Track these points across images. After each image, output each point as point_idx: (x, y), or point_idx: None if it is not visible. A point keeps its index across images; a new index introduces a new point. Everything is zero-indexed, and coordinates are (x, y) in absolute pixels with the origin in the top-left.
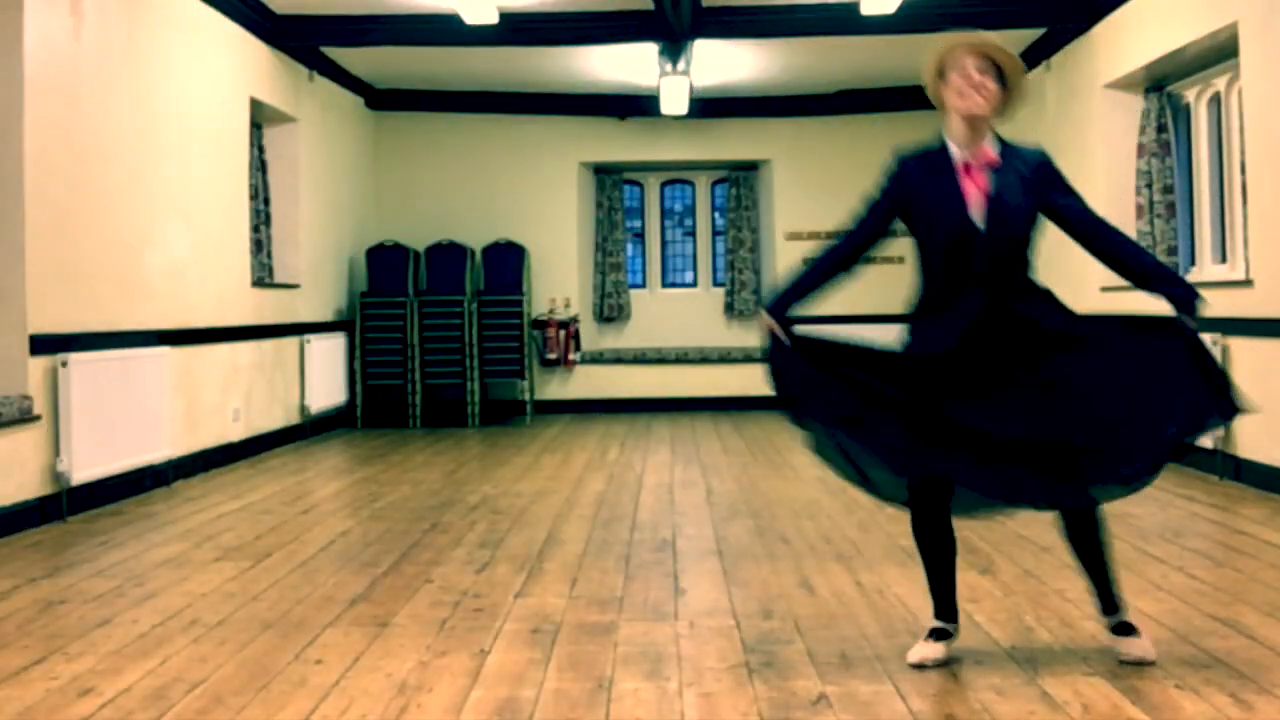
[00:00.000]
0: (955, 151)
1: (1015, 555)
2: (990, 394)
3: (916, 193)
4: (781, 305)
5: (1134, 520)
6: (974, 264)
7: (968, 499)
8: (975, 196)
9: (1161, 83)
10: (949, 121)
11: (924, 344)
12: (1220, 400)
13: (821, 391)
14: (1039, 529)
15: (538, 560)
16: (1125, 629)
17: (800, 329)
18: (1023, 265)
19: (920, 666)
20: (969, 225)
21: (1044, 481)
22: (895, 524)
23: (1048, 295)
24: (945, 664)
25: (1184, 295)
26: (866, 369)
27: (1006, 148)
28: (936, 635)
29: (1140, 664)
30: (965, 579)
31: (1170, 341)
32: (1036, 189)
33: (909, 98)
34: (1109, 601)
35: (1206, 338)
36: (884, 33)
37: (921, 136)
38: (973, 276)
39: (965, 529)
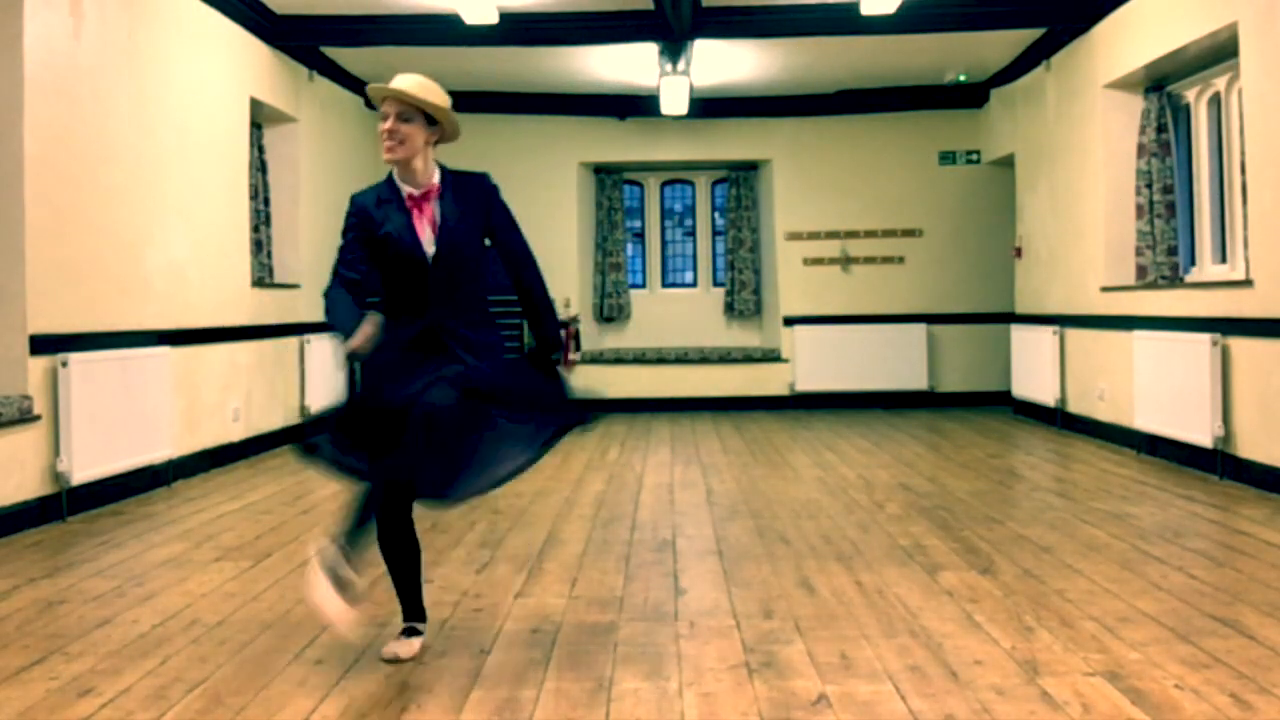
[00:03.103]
0: (401, 186)
1: (1015, 555)
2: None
3: (374, 227)
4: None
5: (1134, 520)
6: (424, 290)
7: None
8: (424, 227)
9: (1161, 83)
10: None
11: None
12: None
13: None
14: (1039, 530)
15: (538, 560)
16: (412, 633)
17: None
18: (471, 291)
19: (395, 660)
20: (419, 254)
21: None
22: (895, 524)
23: (489, 335)
24: (945, 666)
25: (553, 338)
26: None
27: (448, 176)
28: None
29: (395, 660)
30: (965, 579)
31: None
32: (482, 214)
33: (909, 98)
34: (414, 610)
35: (1205, 338)
36: (884, 33)
37: (920, 136)
38: (423, 303)
39: (966, 531)
